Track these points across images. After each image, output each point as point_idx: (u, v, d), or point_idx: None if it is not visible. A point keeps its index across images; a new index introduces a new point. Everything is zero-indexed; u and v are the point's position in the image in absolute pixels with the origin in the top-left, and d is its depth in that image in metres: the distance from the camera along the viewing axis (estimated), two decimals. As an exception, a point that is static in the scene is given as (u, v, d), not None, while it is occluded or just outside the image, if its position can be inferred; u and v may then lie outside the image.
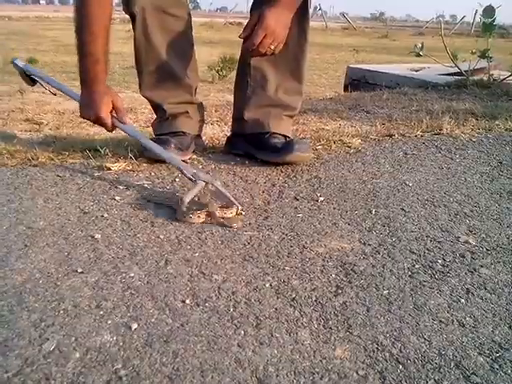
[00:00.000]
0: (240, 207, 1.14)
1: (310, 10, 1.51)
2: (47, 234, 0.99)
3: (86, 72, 1.30)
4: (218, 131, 2.00)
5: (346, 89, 3.98)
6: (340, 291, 0.85)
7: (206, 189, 1.19)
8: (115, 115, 1.33)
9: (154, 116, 2.37)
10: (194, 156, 1.55)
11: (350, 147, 1.75)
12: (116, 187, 1.27)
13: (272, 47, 1.35)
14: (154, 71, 1.48)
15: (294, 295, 0.82)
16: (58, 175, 1.32)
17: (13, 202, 1.14)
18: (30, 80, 1.55)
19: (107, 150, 1.48)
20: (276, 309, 0.78)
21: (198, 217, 1.09)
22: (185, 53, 1.50)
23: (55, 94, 1.57)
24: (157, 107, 1.56)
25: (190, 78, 1.54)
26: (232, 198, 1.15)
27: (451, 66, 3.25)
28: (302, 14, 1.45)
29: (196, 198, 1.17)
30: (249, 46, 1.35)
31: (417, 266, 0.94)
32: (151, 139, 1.50)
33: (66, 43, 7.13)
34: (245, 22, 1.39)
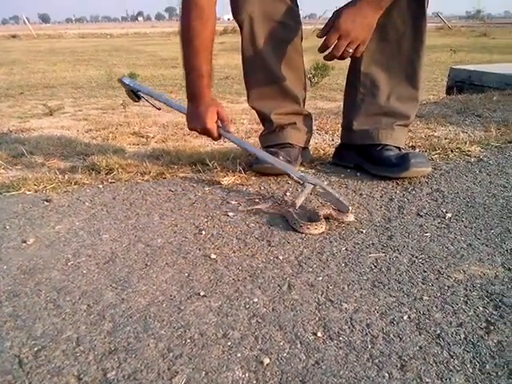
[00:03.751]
0: (350, 208, 1.12)
1: (428, 10, 1.38)
2: (166, 253, 0.97)
3: (191, 86, 1.31)
4: (319, 141, 1.92)
5: (448, 91, 3.74)
6: (492, 328, 0.73)
7: (315, 191, 1.19)
8: (220, 125, 1.33)
9: (254, 127, 2.37)
10: (302, 168, 1.49)
11: (469, 156, 1.60)
12: (228, 202, 1.23)
13: (350, 50, 1.25)
14: (262, 81, 1.43)
15: (438, 331, 0.73)
16: (170, 190, 1.32)
17: (130, 219, 1.14)
18: (135, 96, 1.60)
19: (215, 164, 1.47)
20: (420, 347, 0.69)
21: (315, 228, 1.06)
22: (293, 62, 1.43)
23: (159, 109, 1.60)
24: (264, 118, 1.51)
25: (298, 88, 1.47)
26: (341, 199, 1.14)
27: None
28: (417, 13, 1.33)
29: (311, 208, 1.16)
30: (321, 48, 1.27)
31: None
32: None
33: (163, 57, 7.43)
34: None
